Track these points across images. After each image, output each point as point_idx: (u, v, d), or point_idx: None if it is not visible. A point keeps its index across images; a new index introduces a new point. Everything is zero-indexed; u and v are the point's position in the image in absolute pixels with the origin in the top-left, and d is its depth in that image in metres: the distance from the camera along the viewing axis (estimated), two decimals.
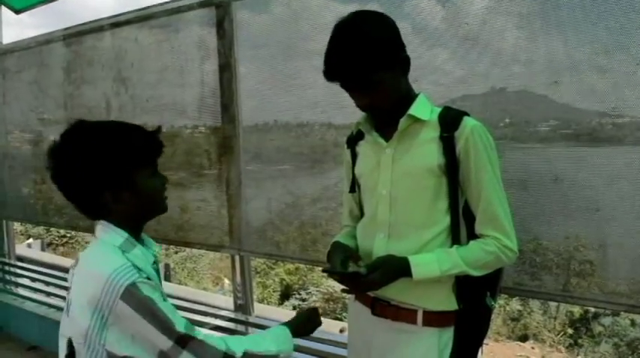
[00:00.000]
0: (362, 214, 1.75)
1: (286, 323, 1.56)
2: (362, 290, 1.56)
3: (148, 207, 1.37)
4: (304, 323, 1.62)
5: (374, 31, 1.44)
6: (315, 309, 1.70)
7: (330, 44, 1.48)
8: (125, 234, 1.30)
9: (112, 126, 1.33)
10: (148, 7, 3.21)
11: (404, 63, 1.52)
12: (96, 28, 3.53)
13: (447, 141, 1.50)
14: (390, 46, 1.47)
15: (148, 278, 1.22)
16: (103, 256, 1.25)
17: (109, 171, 1.25)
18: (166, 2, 3.10)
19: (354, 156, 1.75)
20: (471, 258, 1.48)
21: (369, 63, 1.42)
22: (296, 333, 1.53)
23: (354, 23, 1.46)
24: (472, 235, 1.56)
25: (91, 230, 4.06)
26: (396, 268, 1.47)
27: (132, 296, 1.17)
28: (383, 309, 1.61)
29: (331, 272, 1.52)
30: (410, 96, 1.57)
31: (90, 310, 1.18)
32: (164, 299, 1.26)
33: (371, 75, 1.44)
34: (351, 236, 1.78)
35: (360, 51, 1.41)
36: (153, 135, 1.35)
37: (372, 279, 1.45)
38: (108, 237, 1.29)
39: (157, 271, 1.42)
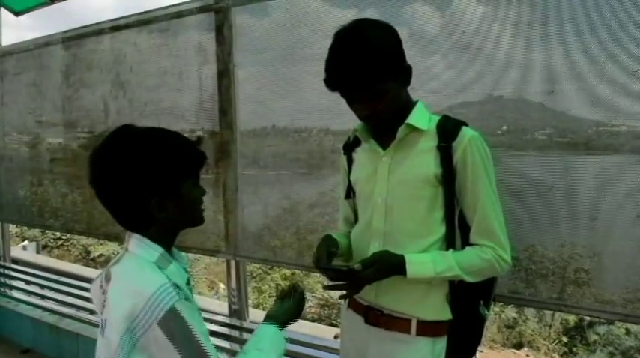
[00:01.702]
0: (356, 221, 1.75)
1: (273, 319, 1.44)
2: (356, 287, 1.52)
3: (188, 218, 1.34)
4: (293, 314, 1.50)
5: (379, 40, 1.42)
6: (299, 292, 1.57)
7: (333, 53, 1.46)
8: (160, 250, 1.26)
9: (162, 133, 1.29)
10: (148, 12, 3.22)
11: (406, 73, 1.51)
12: (95, 31, 3.53)
13: (445, 151, 1.49)
14: (394, 55, 1.46)
15: (187, 299, 1.18)
16: (143, 272, 1.20)
17: (159, 179, 1.22)
18: (166, 7, 3.11)
19: (350, 163, 1.75)
20: (466, 263, 1.48)
21: (375, 73, 1.41)
22: (284, 326, 1.45)
23: (357, 31, 1.45)
24: (466, 245, 1.56)
25: (86, 233, 3.98)
26: (391, 264, 1.47)
27: (170, 322, 1.12)
28: (376, 318, 1.60)
29: (326, 269, 1.50)
30: (408, 105, 1.57)
31: (123, 327, 1.12)
32: (200, 320, 1.21)
33: (377, 85, 1.43)
34: (345, 235, 1.77)
35: (366, 61, 1.39)
36: (198, 145, 1.34)
37: (366, 275, 1.44)
38: (143, 252, 1.25)
39: (190, 288, 1.38)
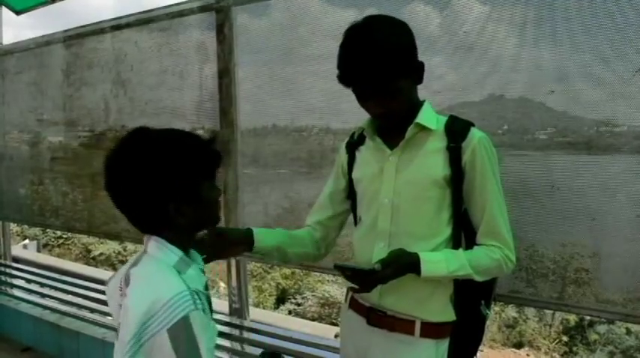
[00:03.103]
0: (355, 222, 1.75)
1: None
2: (372, 286, 1.48)
3: (205, 219, 1.32)
4: None
5: (395, 37, 1.41)
6: None
7: (347, 49, 1.45)
8: (180, 253, 1.23)
9: (177, 135, 1.26)
10: (149, 11, 3.22)
11: (420, 69, 1.50)
12: (96, 30, 3.53)
13: (454, 152, 1.49)
14: (409, 52, 1.45)
15: (203, 310, 1.15)
16: (163, 277, 1.18)
17: (177, 183, 1.19)
18: (167, 6, 3.11)
19: (351, 161, 1.73)
20: (476, 262, 1.48)
21: (392, 70, 1.40)
22: None
23: (372, 28, 1.43)
24: (470, 245, 1.56)
25: (86, 232, 3.98)
26: (407, 263, 1.46)
27: (180, 331, 1.08)
28: (379, 319, 1.59)
29: (344, 268, 1.47)
30: (416, 104, 1.56)
31: (135, 330, 1.09)
32: (210, 336, 1.19)
33: (393, 82, 1.42)
34: (283, 233, 1.77)
35: (383, 58, 1.38)
36: (213, 144, 1.30)
37: (385, 275, 1.42)
38: (162, 255, 1.23)
39: (208, 294, 1.33)
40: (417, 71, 1.49)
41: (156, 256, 1.23)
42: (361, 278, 1.47)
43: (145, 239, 1.27)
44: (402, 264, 1.45)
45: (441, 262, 1.46)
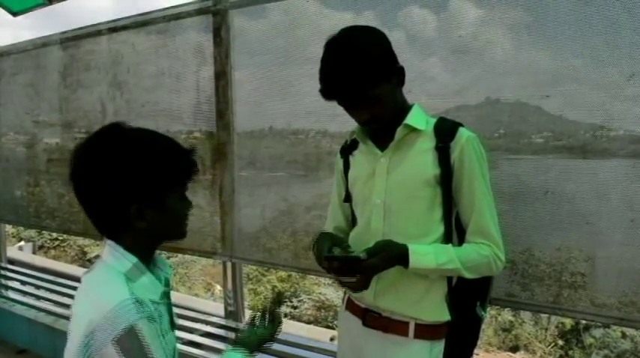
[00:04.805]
0: (354, 224, 1.75)
1: (242, 345, 1.39)
2: (364, 279, 1.46)
3: (168, 230, 1.24)
4: (265, 340, 1.45)
5: (367, 47, 1.44)
6: (278, 317, 1.52)
7: (325, 63, 1.48)
8: (134, 260, 1.16)
9: (152, 135, 1.20)
10: (146, 13, 3.22)
11: (399, 73, 1.52)
12: (93, 32, 3.53)
13: (443, 152, 1.51)
14: (385, 58, 1.47)
15: (151, 318, 1.09)
16: (107, 285, 1.12)
17: (142, 184, 1.13)
18: (165, 9, 3.11)
19: (347, 166, 1.75)
20: (465, 257, 1.49)
21: (367, 79, 1.43)
22: (255, 351, 1.39)
23: (346, 40, 1.46)
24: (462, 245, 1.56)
25: (82, 234, 3.97)
26: (395, 254, 1.46)
27: (127, 341, 1.03)
28: (374, 320, 1.61)
29: (331, 258, 1.48)
30: (405, 106, 1.58)
31: (80, 343, 1.05)
32: (163, 341, 1.14)
33: (370, 90, 1.44)
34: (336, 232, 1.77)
35: (357, 68, 1.41)
36: (191, 154, 1.23)
37: (371, 264, 1.42)
38: (114, 261, 1.16)
39: (168, 298, 1.29)
40: (396, 75, 1.51)
41: (108, 262, 1.17)
42: (348, 268, 1.45)
43: (103, 244, 1.21)
44: (390, 255, 1.46)
45: (430, 254, 1.47)
